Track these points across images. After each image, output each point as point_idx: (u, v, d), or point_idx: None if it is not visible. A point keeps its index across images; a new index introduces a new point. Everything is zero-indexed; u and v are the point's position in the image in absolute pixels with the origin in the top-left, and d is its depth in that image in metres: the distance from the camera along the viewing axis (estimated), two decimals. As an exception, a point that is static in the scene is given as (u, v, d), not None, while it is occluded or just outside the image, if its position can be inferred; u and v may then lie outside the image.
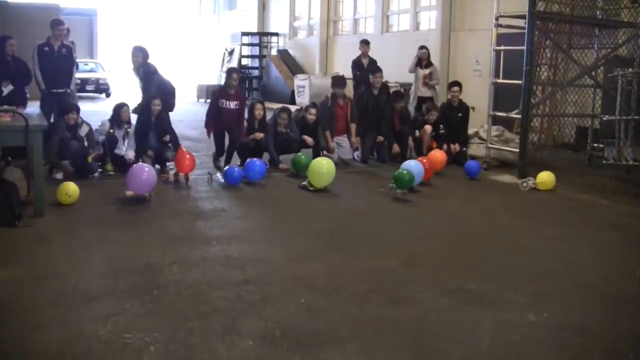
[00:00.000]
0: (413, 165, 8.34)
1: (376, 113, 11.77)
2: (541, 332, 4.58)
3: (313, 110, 10.74)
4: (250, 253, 6.20)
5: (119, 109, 10.13)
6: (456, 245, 6.77)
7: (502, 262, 6.20)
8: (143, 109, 10.28)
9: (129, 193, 7.85)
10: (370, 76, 12.16)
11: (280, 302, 4.97)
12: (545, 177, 9.60)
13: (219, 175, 9.78)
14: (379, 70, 12.36)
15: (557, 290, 5.43)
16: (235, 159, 10.65)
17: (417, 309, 4.94)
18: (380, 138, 11.74)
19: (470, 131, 12.44)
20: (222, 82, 10.59)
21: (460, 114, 11.95)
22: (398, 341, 4.35)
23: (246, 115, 10.76)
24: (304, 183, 8.69)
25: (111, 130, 9.89)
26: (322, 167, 8.24)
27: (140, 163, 7.61)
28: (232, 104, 10.46)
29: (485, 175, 10.57)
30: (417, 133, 11.80)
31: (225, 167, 10.38)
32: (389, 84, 17.19)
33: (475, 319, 4.77)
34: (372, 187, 9.51)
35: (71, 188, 7.73)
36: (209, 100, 13.20)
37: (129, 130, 10.07)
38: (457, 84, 12.15)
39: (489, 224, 7.74)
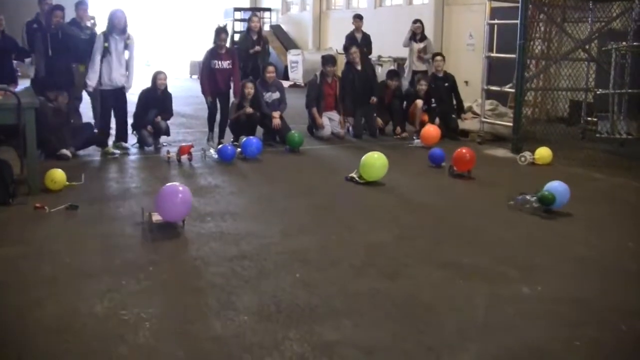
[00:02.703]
0: (556, 186, 7.06)
1: (364, 86, 11.84)
2: (535, 304, 4.61)
3: (250, 85, 10.72)
4: (244, 228, 6.20)
5: (112, 14, 9.55)
6: (450, 219, 6.79)
7: (497, 235, 6.22)
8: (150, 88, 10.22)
9: (156, 218, 6.10)
10: (345, 53, 12.21)
11: (275, 277, 4.98)
12: (544, 152, 9.63)
13: (212, 151, 9.76)
14: (352, 45, 12.37)
15: (551, 263, 5.46)
16: (228, 136, 10.65)
17: (412, 282, 4.96)
18: (374, 99, 11.85)
19: (464, 105, 12.44)
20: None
21: (446, 84, 12.04)
22: (393, 314, 4.37)
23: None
24: (352, 175, 8.29)
25: (106, 44, 9.42)
26: (375, 161, 8.09)
27: (172, 183, 6.37)
28: (225, 64, 10.40)
29: (480, 149, 10.56)
30: (404, 105, 12.03)
31: (218, 141, 10.40)
32: (382, 59, 17.19)
33: (469, 293, 4.79)
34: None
35: (57, 175, 7.47)
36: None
37: (128, 42, 9.62)
38: (439, 54, 12.36)
39: (483, 197, 7.76)
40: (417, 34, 13.62)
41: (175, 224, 6.12)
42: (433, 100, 11.88)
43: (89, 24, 10.87)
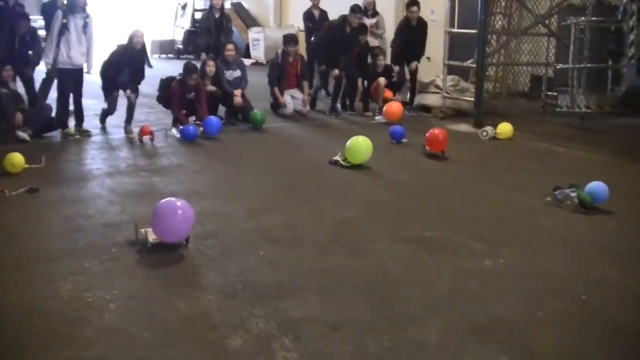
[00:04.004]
0: (595, 186, 6.49)
1: (345, 49, 11.85)
2: (498, 277, 4.67)
3: (211, 63, 10.63)
4: (209, 207, 6.17)
5: None
6: (415, 195, 6.84)
7: (460, 210, 6.29)
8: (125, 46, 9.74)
9: (153, 237, 5.11)
10: (350, 14, 11.94)
11: (241, 256, 4.98)
12: (505, 127, 9.74)
13: (174, 130, 9.68)
14: (359, 11, 12.13)
15: (514, 237, 5.53)
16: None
17: (378, 258, 4.99)
18: (336, 72, 11.84)
19: (427, 80, 12.51)
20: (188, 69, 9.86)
21: (418, 31, 12.06)
22: (359, 290, 4.40)
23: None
24: (336, 158, 8.06)
25: (64, 21, 9.06)
26: (360, 144, 7.98)
27: (170, 199, 5.27)
28: (192, 95, 10.06)
29: (442, 125, 10.62)
30: (365, 83, 12.04)
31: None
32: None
33: (434, 267, 4.84)
34: (330, 137, 9.56)
35: (16, 159, 7.32)
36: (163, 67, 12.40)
37: (87, 21, 9.27)
38: (415, 3, 11.96)
39: (447, 173, 7.82)
40: (368, 10, 13.58)
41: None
42: (393, 74, 11.96)
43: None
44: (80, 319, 3.93)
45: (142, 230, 5.18)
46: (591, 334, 3.86)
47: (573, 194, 6.35)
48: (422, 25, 12.04)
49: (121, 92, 9.78)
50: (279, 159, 8.42)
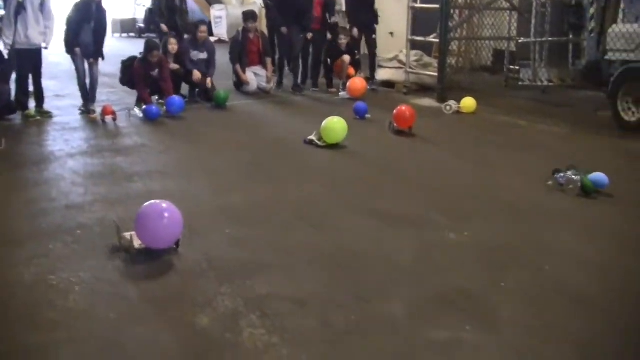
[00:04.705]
0: (596, 175, 6.22)
1: (298, 6, 11.67)
2: (461, 249, 4.72)
3: (173, 40, 10.54)
4: (173, 187, 6.14)
5: None
6: (378, 169, 6.87)
7: (424, 184, 6.33)
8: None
9: (138, 244, 4.59)
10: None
11: (206, 235, 4.96)
12: (468, 101, 9.81)
13: (137, 110, 9.59)
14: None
15: (477, 209, 5.59)
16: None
17: (342, 233, 5.01)
18: (310, 35, 11.77)
19: (390, 55, 12.53)
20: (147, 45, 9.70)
21: None
22: (325, 266, 4.42)
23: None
24: (311, 137, 7.92)
25: (20, 0, 8.80)
26: (335, 125, 7.91)
27: (154, 201, 4.68)
28: (155, 72, 9.92)
29: (406, 100, 10.67)
30: (329, 62, 12.00)
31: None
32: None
33: (399, 241, 4.87)
34: (294, 114, 9.54)
35: None
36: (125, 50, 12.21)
37: None
38: None
39: (412, 148, 7.86)
40: None
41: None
42: (357, 52, 11.99)
43: None
44: (44, 302, 3.90)
45: (127, 235, 4.70)
46: (552, 303, 3.92)
47: (576, 178, 6.09)
48: None
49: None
50: (243, 137, 8.39)
